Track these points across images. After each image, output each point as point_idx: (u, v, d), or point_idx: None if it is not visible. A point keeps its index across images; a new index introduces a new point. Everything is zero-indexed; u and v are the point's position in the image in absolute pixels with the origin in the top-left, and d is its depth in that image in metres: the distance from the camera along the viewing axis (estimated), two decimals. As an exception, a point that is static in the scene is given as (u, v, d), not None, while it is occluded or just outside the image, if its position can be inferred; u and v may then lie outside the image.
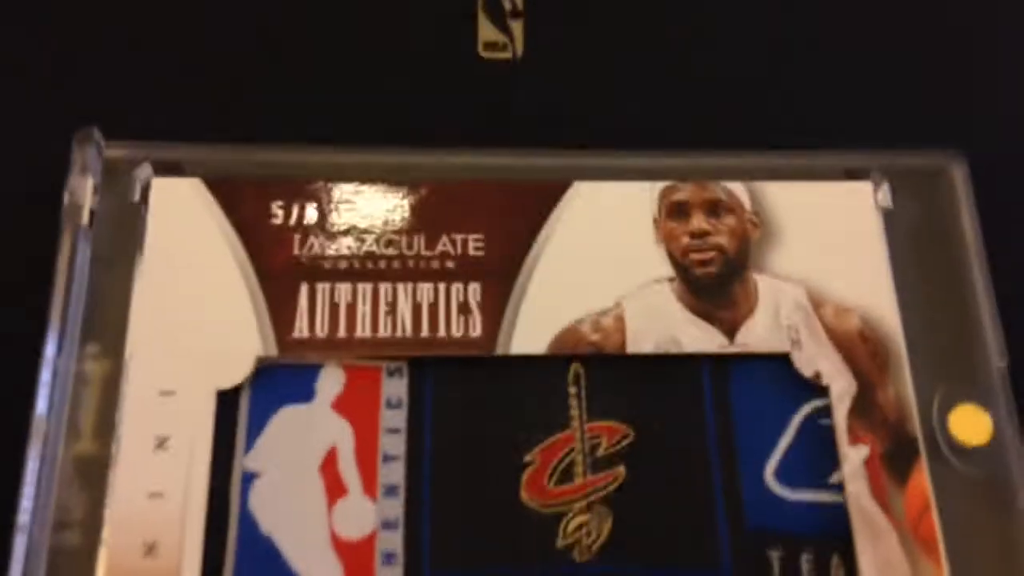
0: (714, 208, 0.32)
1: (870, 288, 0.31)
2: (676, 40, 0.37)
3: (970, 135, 0.35)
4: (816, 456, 0.30)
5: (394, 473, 0.29)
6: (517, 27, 0.37)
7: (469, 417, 0.30)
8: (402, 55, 0.36)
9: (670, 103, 0.36)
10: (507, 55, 0.37)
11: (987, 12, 0.38)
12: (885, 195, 0.33)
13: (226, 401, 0.29)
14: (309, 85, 0.35)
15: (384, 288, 0.30)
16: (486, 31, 0.37)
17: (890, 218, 0.33)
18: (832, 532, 0.29)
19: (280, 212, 0.31)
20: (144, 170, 0.31)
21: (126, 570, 0.26)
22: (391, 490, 0.29)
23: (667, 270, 0.31)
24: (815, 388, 0.30)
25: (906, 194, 0.33)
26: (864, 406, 0.30)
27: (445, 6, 0.37)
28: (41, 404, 0.28)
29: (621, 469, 0.29)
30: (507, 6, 0.38)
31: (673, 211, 0.32)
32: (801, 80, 0.37)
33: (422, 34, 0.37)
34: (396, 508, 0.28)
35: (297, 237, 0.31)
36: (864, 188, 0.33)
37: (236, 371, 0.29)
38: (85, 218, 0.30)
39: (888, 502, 0.29)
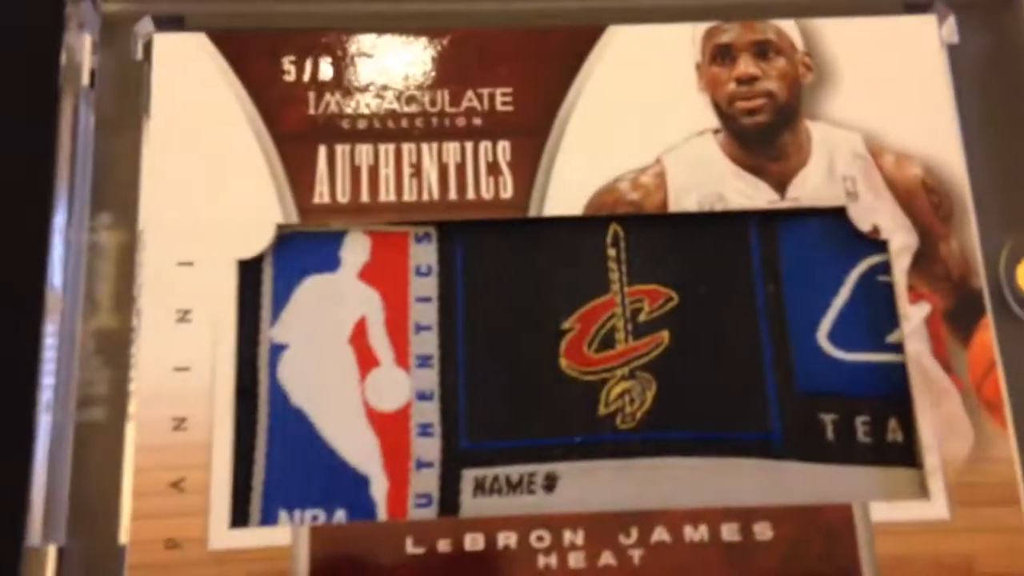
0: (763, 50, 0.30)
1: (934, 133, 0.29)
2: None
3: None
4: (873, 315, 0.28)
5: (427, 343, 0.27)
6: None
7: (503, 283, 0.28)
8: None
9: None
10: None
11: None
12: (951, 29, 0.30)
13: (248, 271, 0.27)
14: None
15: (408, 148, 0.28)
16: None
17: (956, 55, 0.30)
18: (889, 394, 0.27)
19: (292, 68, 0.29)
20: (145, 25, 0.29)
21: (156, 445, 0.26)
22: (424, 360, 0.27)
23: (712, 120, 0.29)
24: (873, 243, 0.28)
25: (973, 28, 0.30)
26: (926, 261, 0.28)
27: None
28: (55, 277, 0.27)
29: (665, 334, 0.28)
30: None
31: (717, 55, 0.30)
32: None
33: None
34: (431, 379, 0.27)
35: (312, 95, 0.29)
36: (928, 22, 0.30)
37: (256, 240, 0.27)
38: (86, 78, 0.28)
39: (950, 361, 0.27)
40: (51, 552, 0.25)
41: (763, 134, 0.29)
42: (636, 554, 0.25)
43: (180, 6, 0.29)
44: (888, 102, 0.29)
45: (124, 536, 0.25)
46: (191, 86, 0.28)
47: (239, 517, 0.25)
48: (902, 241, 0.28)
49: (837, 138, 0.29)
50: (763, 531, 0.25)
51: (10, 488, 0.25)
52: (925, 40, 0.30)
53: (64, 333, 0.26)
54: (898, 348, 0.28)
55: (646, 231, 0.29)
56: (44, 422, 0.26)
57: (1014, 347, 0.27)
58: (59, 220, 0.27)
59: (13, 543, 0.25)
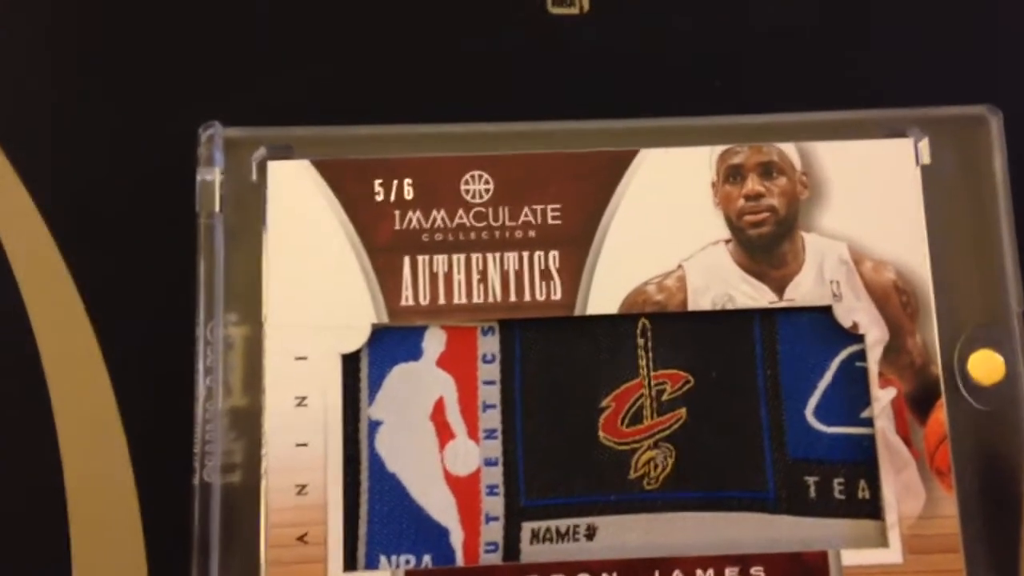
0: (767, 170, 0.36)
1: (906, 242, 0.35)
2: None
3: (1000, 91, 0.37)
4: (850, 395, 0.35)
5: (492, 419, 0.34)
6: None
7: (553, 369, 0.35)
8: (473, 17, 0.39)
9: (722, 65, 0.39)
10: (574, 10, 0.39)
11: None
12: (924, 151, 0.36)
13: (349, 362, 0.34)
14: (387, 57, 0.38)
15: (475, 258, 0.35)
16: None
17: (928, 173, 0.36)
18: (860, 460, 0.34)
19: (381, 190, 0.35)
20: (260, 154, 0.35)
21: (283, 506, 0.33)
22: (491, 433, 0.34)
23: (724, 232, 0.35)
24: (852, 336, 0.35)
25: (943, 149, 0.36)
26: (894, 352, 0.35)
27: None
28: (199, 365, 0.34)
29: (683, 411, 0.35)
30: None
31: (730, 175, 0.36)
32: (851, 43, 0.39)
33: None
34: (496, 448, 0.34)
35: (397, 212, 0.35)
36: (905, 145, 0.36)
37: (356, 337, 0.34)
38: (217, 205, 0.35)
39: (910, 436, 0.34)
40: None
41: (766, 244, 0.35)
42: (659, 597, 0.33)
43: (288, 135, 0.36)
44: (869, 216, 0.36)
45: (264, 577, 0.32)
46: (299, 205, 0.35)
47: (349, 562, 0.33)
48: (876, 335, 0.35)
49: (826, 247, 0.35)
50: (757, 574, 0.33)
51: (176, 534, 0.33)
52: (902, 161, 0.36)
53: (210, 410, 0.33)
54: (869, 423, 0.34)
55: (669, 325, 0.35)
56: (198, 481, 0.33)
57: (962, 425, 0.34)
58: (201, 318, 0.34)
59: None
